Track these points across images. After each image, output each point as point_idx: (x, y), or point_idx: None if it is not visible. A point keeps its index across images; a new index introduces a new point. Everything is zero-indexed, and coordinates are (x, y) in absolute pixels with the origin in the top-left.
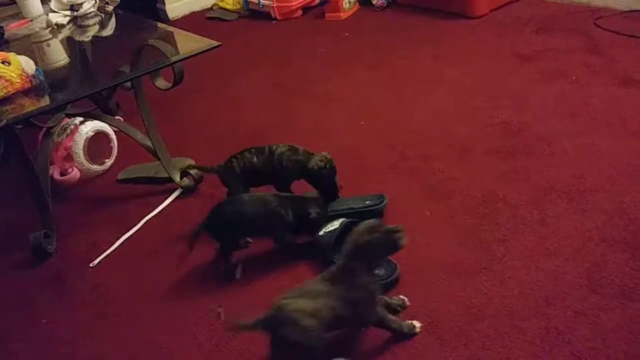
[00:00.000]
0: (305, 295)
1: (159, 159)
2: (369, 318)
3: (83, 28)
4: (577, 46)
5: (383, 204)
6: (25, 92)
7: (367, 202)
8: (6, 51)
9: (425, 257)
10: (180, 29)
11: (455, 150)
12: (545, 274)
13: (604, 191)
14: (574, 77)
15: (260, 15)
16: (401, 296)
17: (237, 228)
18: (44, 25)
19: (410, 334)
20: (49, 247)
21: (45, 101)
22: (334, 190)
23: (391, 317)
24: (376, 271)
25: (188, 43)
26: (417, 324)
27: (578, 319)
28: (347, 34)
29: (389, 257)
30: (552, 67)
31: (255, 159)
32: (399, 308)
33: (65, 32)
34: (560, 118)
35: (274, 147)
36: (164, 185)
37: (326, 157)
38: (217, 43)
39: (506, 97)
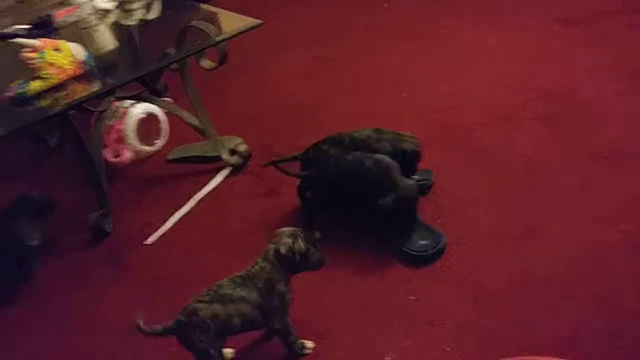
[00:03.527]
0: (219, 300)
1: (207, 138)
2: (276, 325)
3: (129, 12)
4: (619, 8)
5: (430, 180)
6: (76, 78)
7: (415, 177)
8: (56, 39)
9: (471, 226)
10: (223, 6)
11: (498, 119)
12: (589, 239)
13: None
14: (617, 40)
15: None
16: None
17: (328, 187)
18: (91, 11)
19: (300, 353)
20: (106, 226)
21: (96, 86)
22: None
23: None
24: (422, 242)
25: (231, 22)
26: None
27: (624, 282)
28: (386, 5)
29: (434, 227)
30: (594, 30)
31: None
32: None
33: (111, 17)
34: (603, 82)
35: (354, 133)
36: (213, 164)
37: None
38: (260, 22)
39: (548, 63)
